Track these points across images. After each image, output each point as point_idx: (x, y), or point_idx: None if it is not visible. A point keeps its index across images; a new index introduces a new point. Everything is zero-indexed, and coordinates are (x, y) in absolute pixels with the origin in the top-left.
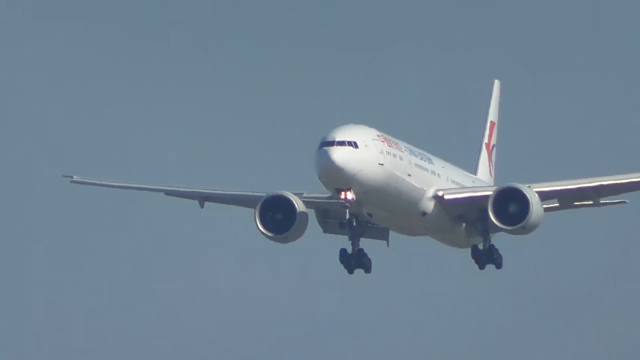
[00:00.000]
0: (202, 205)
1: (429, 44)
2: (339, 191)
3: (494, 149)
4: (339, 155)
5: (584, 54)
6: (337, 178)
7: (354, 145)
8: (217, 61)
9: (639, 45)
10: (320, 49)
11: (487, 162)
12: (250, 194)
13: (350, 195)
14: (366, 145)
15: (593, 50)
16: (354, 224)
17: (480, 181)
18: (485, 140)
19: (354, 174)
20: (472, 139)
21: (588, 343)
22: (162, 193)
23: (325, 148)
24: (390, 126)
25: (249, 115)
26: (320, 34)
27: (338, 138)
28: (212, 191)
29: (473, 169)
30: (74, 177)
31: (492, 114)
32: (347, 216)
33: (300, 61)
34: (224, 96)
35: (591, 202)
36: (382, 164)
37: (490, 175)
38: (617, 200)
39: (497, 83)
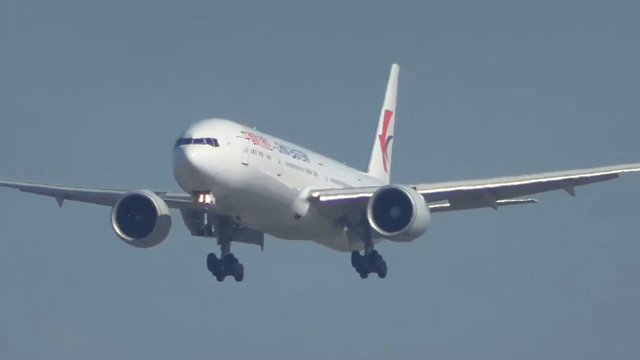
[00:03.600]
0: (60, 203)
1: (314, 21)
2: (196, 194)
3: (390, 141)
4: (196, 154)
5: (495, 40)
6: (194, 180)
7: (214, 143)
8: (80, 43)
9: (550, 34)
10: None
11: (382, 158)
12: (111, 191)
13: (209, 198)
14: (228, 143)
15: (504, 38)
16: (213, 229)
17: (371, 179)
18: (379, 132)
19: (214, 176)
20: (365, 131)
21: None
22: (18, 189)
23: (181, 146)
24: (267, 119)
25: (117, 108)
26: (167, 18)
27: (196, 135)
28: (70, 188)
29: (365, 165)
30: None
31: (388, 103)
32: (206, 221)
33: (159, 52)
34: (86, 88)
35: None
36: (246, 164)
37: (386, 171)
38: (527, 200)
39: (394, 68)
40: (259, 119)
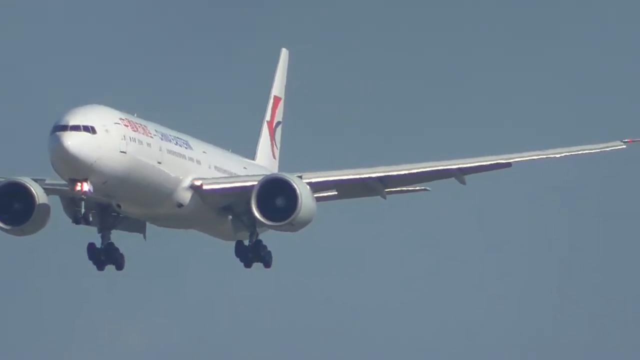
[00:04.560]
0: None
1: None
2: (73, 182)
3: (279, 128)
4: (72, 141)
5: (389, 23)
6: (71, 168)
7: (91, 130)
8: None
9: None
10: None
11: (270, 144)
12: None
13: (87, 186)
14: (106, 130)
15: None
16: (92, 218)
17: (258, 168)
18: (267, 118)
19: (90, 164)
20: (253, 117)
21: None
22: None
23: (57, 133)
24: (149, 106)
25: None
26: None
27: (72, 122)
28: None
29: (253, 153)
30: None
31: (277, 88)
32: (83, 210)
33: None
34: None
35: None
36: (124, 152)
37: (275, 158)
38: (420, 188)
39: (284, 52)
40: (140, 105)
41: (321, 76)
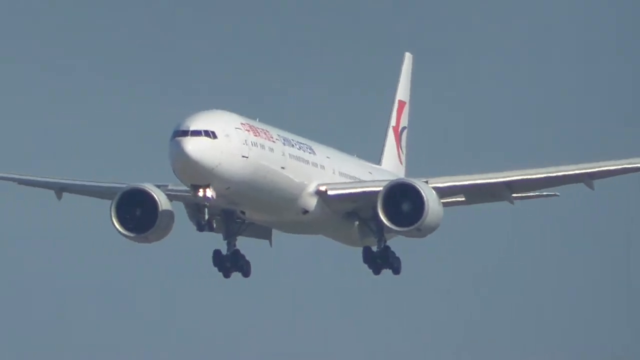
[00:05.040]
0: (59, 197)
1: (324, 7)
2: (195, 188)
3: (404, 132)
4: (193, 147)
5: (514, 27)
6: (192, 173)
7: (212, 135)
8: (79, 39)
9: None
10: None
11: (396, 149)
12: (110, 185)
13: (209, 192)
14: (227, 135)
15: (523, 25)
16: (215, 225)
17: (383, 172)
18: (393, 123)
19: (212, 169)
20: (378, 122)
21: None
22: (15, 182)
23: (178, 139)
24: (274, 111)
25: (118, 100)
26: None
27: (193, 127)
28: (69, 181)
29: (378, 158)
30: None
31: (402, 93)
32: (206, 217)
33: (159, 44)
34: (89, 79)
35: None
36: (246, 157)
37: (401, 163)
38: (549, 193)
39: (408, 56)
40: (264, 111)
41: (445, 80)
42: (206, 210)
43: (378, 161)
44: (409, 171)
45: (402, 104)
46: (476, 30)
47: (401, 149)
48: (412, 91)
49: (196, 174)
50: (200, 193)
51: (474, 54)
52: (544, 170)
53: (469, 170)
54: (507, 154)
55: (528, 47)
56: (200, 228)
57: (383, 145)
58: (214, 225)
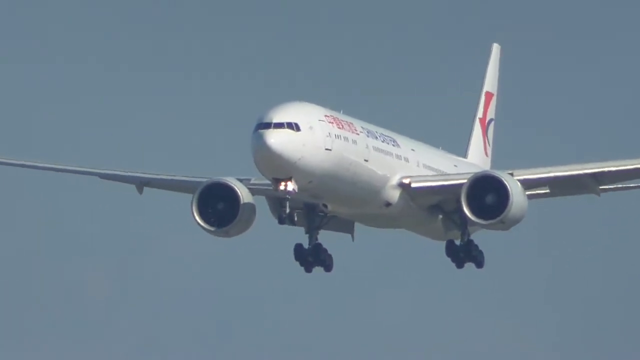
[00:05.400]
0: (140, 191)
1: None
2: (277, 181)
3: (491, 125)
4: (276, 139)
5: (605, 17)
6: (274, 166)
7: (295, 127)
8: (161, 37)
9: None
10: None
11: (482, 142)
12: (192, 179)
13: (291, 186)
14: (310, 128)
15: (614, 16)
16: (296, 218)
17: (469, 165)
18: (479, 115)
19: (294, 162)
20: (464, 114)
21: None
22: (97, 177)
23: (260, 131)
24: (357, 103)
25: (201, 93)
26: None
27: (276, 119)
28: (150, 175)
29: (464, 150)
30: None
31: (489, 84)
32: (287, 210)
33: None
34: (170, 74)
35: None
36: (329, 149)
37: (487, 156)
38: (638, 185)
39: (496, 47)
40: (347, 102)
41: (534, 71)
42: (287, 203)
43: (464, 154)
44: (495, 164)
45: (489, 95)
46: (563, 19)
47: (488, 141)
48: (500, 82)
49: (278, 167)
50: (282, 186)
51: (562, 44)
52: (633, 161)
53: (557, 162)
54: (595, 145)
55: (616, 38)
56: (281, 221)
57: (469, 138)
58: (295, 219)
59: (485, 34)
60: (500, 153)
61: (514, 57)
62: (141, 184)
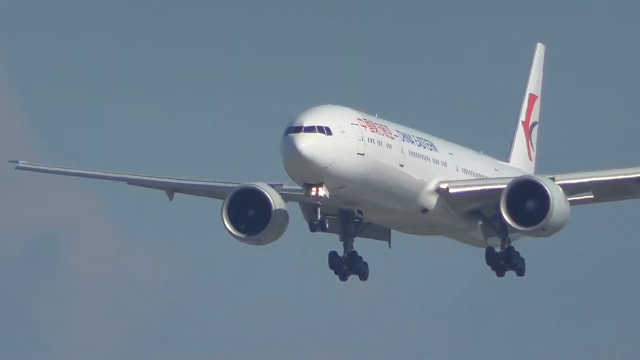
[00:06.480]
0: (170, 197)
1: None
2: (308, 186)
3: (535, 128)
4: (307, 144)
5: None
6: (305, 171)
7: (327, 131)
8: (182, 44)
9: None
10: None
11: (525, 145)
12: (223, 184)
13: (322, 191)
14: (342, 131)
15: None
16: (328, 225)
17: (510, 169)
18: (523, 117)
19: (326, 167)
20: (507, 117)
21: None
22: (125, 182)
23: (290, 135)
24: (394, 104)
25: (230, 96)
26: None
27: (307, 123)
28: (180, 181)
29: (506, 154)
30: (20, 162)
31: (533, 86)
32: (319, 217)
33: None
34: (196, 77)
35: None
36: (362, 154)
37: (531, 160)
38: None
39: (540, 47)
40: (383, 106)
41: (580, 72)
42: (318, 209)
43: (506, 158)
44: (539, 168)
45: (533, 97)
46: (608, 19)
47: (531, 145)
48: (544, 84)
49: (308, 172)
50: (313, 192)
51: (607, 45)
52: None
53: (604, 166)
54: None
55: None
56: (313, 228)
57: (512, 141)
58: (327, 226)
59: (529, 33)
60: (545, 157)
61: (559, 57)
62: (171, 189)
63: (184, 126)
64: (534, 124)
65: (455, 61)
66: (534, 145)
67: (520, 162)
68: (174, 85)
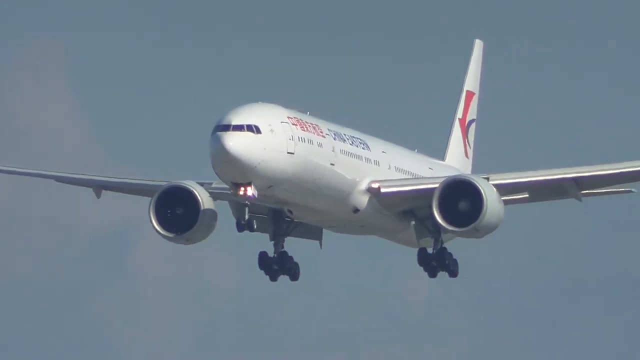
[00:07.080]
0: (98, 195)
1: None
2: (236, 186)
3: (472, 125)
4: (235, 142)
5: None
6: (233, 171)
7: (255, 129)
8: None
9: None
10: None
11: (462, 143)
12: (150, 183)
13: (250, 191)
14: (272, 130)
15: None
16: (256, 225)
17: (446, 168)
18: (459, 115)
19: (255, 166)
20: (443, 114)
21: None
22: (52, 180)
23: (218, 133)
24: (329, 104)
25: (164, 93)
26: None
27: (235, 121)
28: (107, 179)
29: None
30: None
31: (471, 83)
32: (246, 216)
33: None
34: (130, 70)
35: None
36: (292, 153)
37: (467, 158)
38: (623, 189)
39: (478, 43)
40: (318, 104)
41: (518, 70)
42: (246, 209)
43: (442, 156)
44: (476, 167)
45: (470, 94)
46: (552, 15)
47: (468, 143)
48: (482, 81)
49: (236, 171)
50: (241, 192)
51: (548, 42)
52: (615, 165)
53: (539, 165)
54: (577, 149)
55: (605, 38)
56: (240, 228)
57: (448, 139)
58: (255, 226)
59: (467, 30)
60: (482, 155)
61: (497, 54)
62: (99, 187)
63: (115, 124)
64: (471, 121)
65: (391, 57)
66: (471, 144)
67: (456, 160)
68: (108, 81)
